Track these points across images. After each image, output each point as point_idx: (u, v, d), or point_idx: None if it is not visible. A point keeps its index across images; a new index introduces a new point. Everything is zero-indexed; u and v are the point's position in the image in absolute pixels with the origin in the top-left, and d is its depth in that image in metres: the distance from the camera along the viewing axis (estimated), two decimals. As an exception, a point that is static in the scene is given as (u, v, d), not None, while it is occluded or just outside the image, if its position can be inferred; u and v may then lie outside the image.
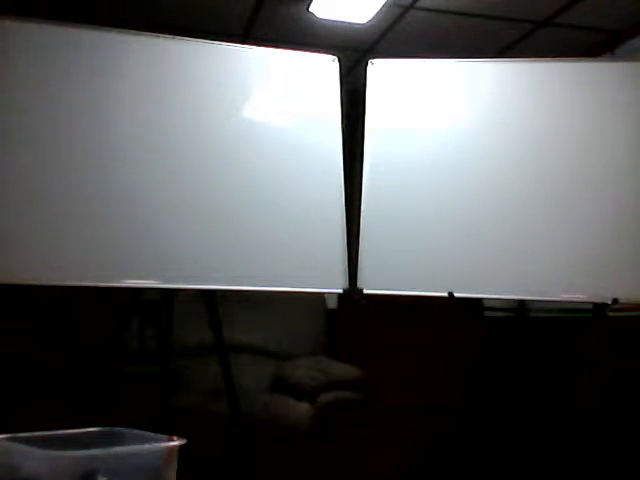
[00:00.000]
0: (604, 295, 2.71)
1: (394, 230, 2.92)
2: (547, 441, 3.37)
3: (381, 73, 3.05)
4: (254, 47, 2.91)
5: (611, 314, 2.81)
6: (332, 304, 3.97)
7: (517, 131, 2.95)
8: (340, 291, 2.81)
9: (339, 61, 2.95)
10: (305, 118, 2.89)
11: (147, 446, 1.61)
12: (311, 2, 3.63)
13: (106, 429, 1.76)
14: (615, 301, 2.68)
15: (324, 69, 2.94)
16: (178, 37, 2.77)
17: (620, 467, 3.04)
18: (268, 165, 2.78)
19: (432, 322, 3.49)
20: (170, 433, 1.64)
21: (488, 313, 3.78)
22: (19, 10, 2.61)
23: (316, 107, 2.91)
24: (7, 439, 1.55)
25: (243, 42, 2.99)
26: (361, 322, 3.63)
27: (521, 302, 3.28)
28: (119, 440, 1.70)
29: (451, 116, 3.01)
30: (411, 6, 3.69)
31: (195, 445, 1.64)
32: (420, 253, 2.89)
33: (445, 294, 2.84)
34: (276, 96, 2.87)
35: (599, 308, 2.80)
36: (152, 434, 1.68)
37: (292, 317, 3.84)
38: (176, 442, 1.60)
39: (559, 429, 3.39)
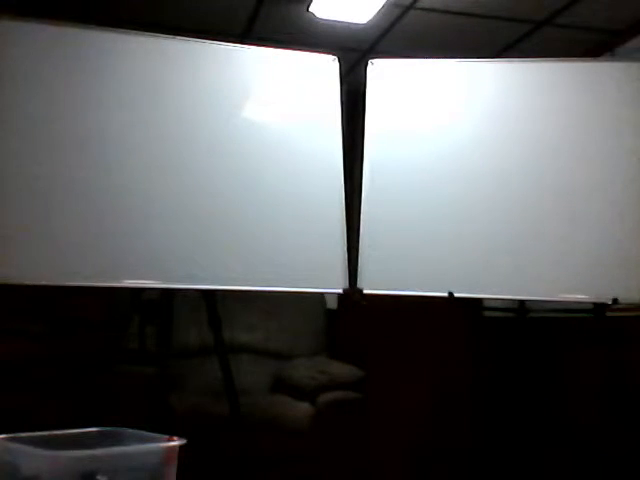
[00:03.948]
0: (604, 295, 2.72)
1: (394, 230, 2.92)
2: (547, 441, 3.37)
3: (381, 73, 3.05)
4: (254, 47, 2.90)
5: (611, 314, 2.81)
6: (332, 304, 3.97)
7: (517, 131, 2.95)
8: (340, 291, 2.81)
9: (339, 61, 2.95)
10: (305, 118, 2.89)
11: (147, 446, 1.61)
12: (311, 2, 3.63)
13: (106, 429, 1.76)
14: (615, 301, 2.68)
15: (324, 69, 2.94)
16: (178, 37, 2.77)
17: (618, 467, 3.04)
18: (268, 165, 2.78)
19: (432, 322, 3.49)
20: (170, 433, 1.64)
21: (488, 313, 3.77)
22: (19, 10, 2.61)
23: (316, 107, 2.90)
24: (7, 439, 1.55)
25: (243, 42, 2.99)
26: (361, 322, 3.63)
27: (521, 302, 3.28)
28: (119, 440, 1.70)
29: (451, 116, 3.02)
30: (411, 6, 3.69)
31: (195, 445, 1.64)
32: (420, 253, 2.89)
33: (445, 294, 2.84)
34: (276, 96, 2.87)
35: (599, 308, 2.80)
36: (152, 434, 1.68)
37: (292, 317, 3.84)
38: (176, 442, 1.60)
39: (558, 429, 3.39)
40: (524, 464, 3.32)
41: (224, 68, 2.82)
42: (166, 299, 2.67)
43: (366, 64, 3.06)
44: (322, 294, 3.76)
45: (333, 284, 2.79)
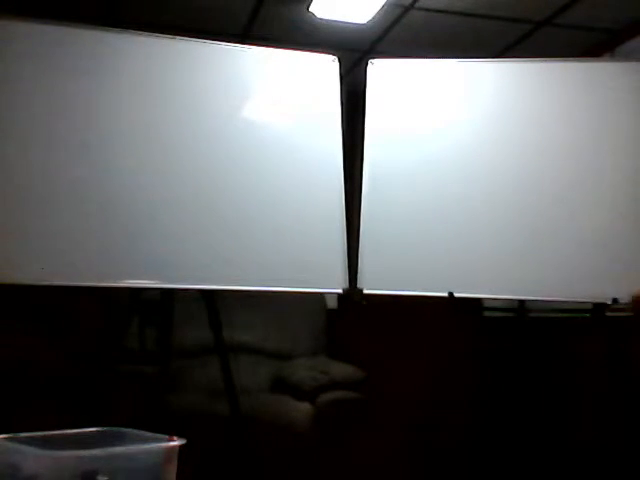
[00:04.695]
0: (604, 295, 2.71)
1: (394, 230, 2.92)
2: (547, 441, 3.37)
3: (381, 73, 3.05)
4: (254, 47, 2.90)
5: (611, 314, 2.81)
6: (332, 304, 3.97)
7: (516, 131, 2.95)
8: (340, 291, 2.81)
9: (339, 61, 2.95)
10: (305, 118, 2.89)
11: (147, 446, 1.61)
12: (311, 2, 3.63)
13: (106, 429, 1.76)
14: (615, 301, 2.68)
15: (324, 69, 2.94)
16: (178, 37, 2.77)
17: (620, 467, 3.04)
18: (268, 165, 2.78)
19: (432, 322, 3.49)
20: (170, 433, 1.64)
21: (488, 313, 3.78)
22: (19, 10, 2.61)
23: (316, 107, 2.90)
24: (7, 439, 1.55)
25: (243, 42, 2.99)
26: (361, 322, 3.63)
27: (521, 302, 3.28)
28: (119, 440, 1.70)
29: (451, 116, 3.01)
30: (411, 6, 3.69)
31: (195, 445, 1.64)
32: (420, 253, 2.88)
33: (445, 294, 2.83)
34: (276, 96, 2.87)
35: (599, 308, 2.80)
36: (152, 434, 1.67)
37: (292, 317, 3.84)
38: (176, 442, 1.60)
39: (559, 429, 3.39)
40: (524, 464, 3.32)
41: (224, 68, 2.82)
42: (166, 299, 2.67)
43: (366, 64, 3.06)
44: (322, 294, 3.76)
45: (333, 284, 2.79)
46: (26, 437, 1.58)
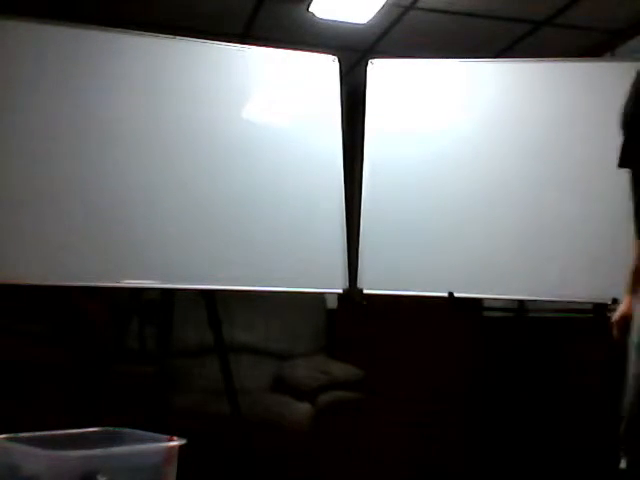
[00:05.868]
0: (604, 295, 2.72)
1: (394, 230, 2.92)
2: (546, 440, 3.37)
3: (381, 73, 3.05)
4: (254, 47, 2.91)
5: (611, 314, 2.81)
6: (332, 304, 3.97)
7: (516, 130, 2.95)
8: (340, 291, 2.82)
9: (339, 61, 2.95)
10: (305, 118, 2.89)
11: (147, 446, 1.61)
12: (311, 2, 3.63)
13: (106, 429, 1.76)
14: (615, 301, 2.68)
15: (324, 69, 2.94)
16: (178, 37, 2.78)
17: (617, 465, 3.04)
18: (268, 165, 2.78)
19: (432, 322, 3.49)
20: (170, 433, 1.64)
21: (488, 313, 3.77)
22: (19, 10, 2.61)
23: (316, 107, 2.91)
24: (7, 439, 1.55)
25: (243, 42, 2.99)
26: (361, 322, 3.63)
27: (521, 302, 3.28)
28: (119, 440, 1.70)
29: (451, 115, 3.02)
30: (411, 6, 3.68)
31: (195, 445, 1.64)
32: (420, 253, 2.89)
33: (445, 294, 2.84)
34: (276, 96, 2.87)
35: (599, 308, 2.80)
36: (152, 434, 1.68)
37: (292, 317, 3.84)
38: (176, 442, 1.60)
39: (558, 429, 3.38)
40: (524, 463, 3.32)
41: (224, 68, 2.82)
42: (166, 299, 2.67)
43: (366, 64, 3.06)
44: (322, 294, 3.76)
45: (333, 284, 2.80)
46: (26, 437, 1.58)
